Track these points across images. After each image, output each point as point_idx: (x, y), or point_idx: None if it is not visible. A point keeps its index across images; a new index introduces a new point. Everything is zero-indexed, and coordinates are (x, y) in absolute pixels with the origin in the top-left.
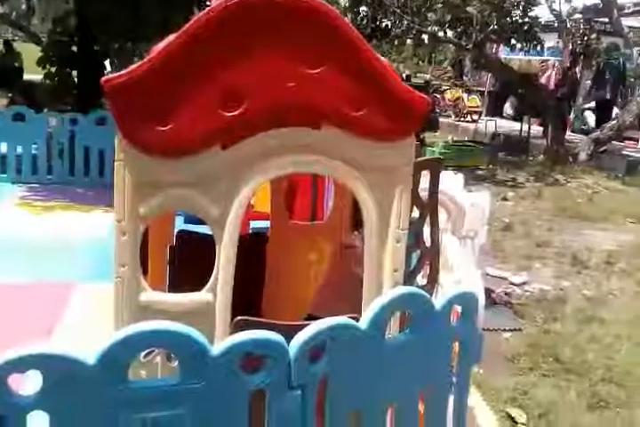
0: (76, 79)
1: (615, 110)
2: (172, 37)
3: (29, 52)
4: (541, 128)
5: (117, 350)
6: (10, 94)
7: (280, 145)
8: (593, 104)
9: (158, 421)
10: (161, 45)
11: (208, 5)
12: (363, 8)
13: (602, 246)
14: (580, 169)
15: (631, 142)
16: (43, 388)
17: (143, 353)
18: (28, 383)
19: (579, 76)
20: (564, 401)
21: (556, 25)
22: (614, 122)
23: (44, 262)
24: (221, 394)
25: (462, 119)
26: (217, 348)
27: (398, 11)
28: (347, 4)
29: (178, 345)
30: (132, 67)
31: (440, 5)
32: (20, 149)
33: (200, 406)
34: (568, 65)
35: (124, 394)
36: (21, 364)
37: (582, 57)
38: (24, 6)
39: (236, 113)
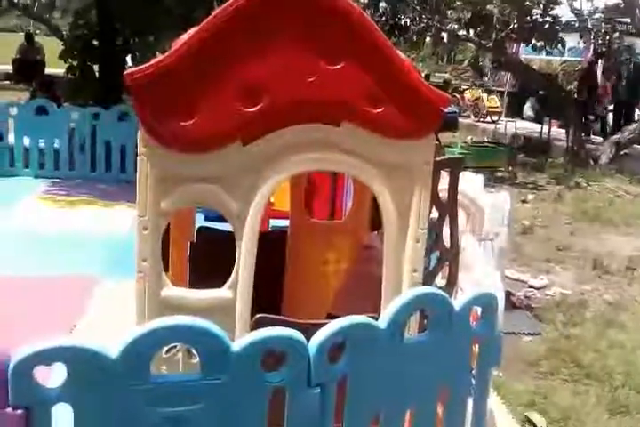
0: (97, 73)
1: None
2: (193, 32)
3: (51, 46)
4: (562, 130)
5: (140, 344)
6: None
7: (300, 142)
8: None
9: (179, 415)
10: (183, 39)
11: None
12: (382, 4)
13: (623, 251)
14: (602, 172)
15: None
16: (67, 381)
17: (165, 349)
18: (54, 376)
19: (600, 76)
20: (584, 406)
21: (576, 24)
22: (636, 125)
23: (67, 257)
24: (241, 390)
25: (482, 120)
26: (238, 344)
27: (418, 8)
28: (366, 1)
29: (199, 341)
30: (155, 61)
31: (460, 3)
32: (42, 144)
33: (220, 402)
34: (587, 65)
35: (146, 388)
36: (46, 356)
37: (604, 57)
38: None
39: (256, 109)
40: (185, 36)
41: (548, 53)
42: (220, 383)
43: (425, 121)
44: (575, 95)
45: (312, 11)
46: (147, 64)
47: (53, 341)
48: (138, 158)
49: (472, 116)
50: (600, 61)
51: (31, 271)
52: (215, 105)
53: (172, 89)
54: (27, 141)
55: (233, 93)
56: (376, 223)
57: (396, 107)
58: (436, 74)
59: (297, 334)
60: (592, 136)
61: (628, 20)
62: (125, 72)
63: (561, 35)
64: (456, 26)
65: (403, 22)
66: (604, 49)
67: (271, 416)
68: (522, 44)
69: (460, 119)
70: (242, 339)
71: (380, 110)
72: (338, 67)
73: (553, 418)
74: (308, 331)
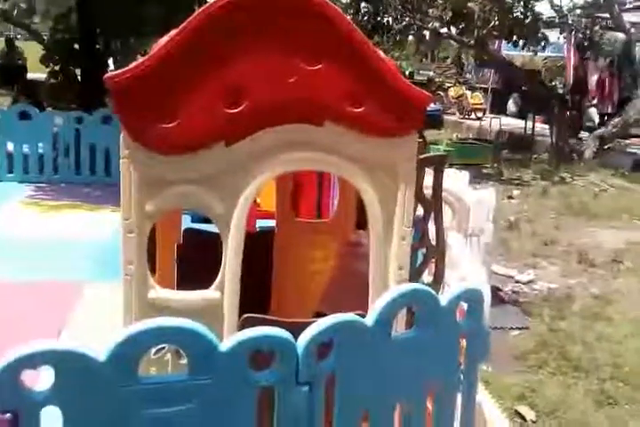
0: (79, 77)
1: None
2: (173, 34)
3: (32, 51)
4: (545, 125)
5: (127, 347)
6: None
7: (283, 142)
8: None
9: (168, 416)
10: (162, 42)
11: (209, 1)
12: (363, 4)
13: (608, 245)
14: (586, 167)
15: (637, 139)
16: (55, 383)
17: (154, 350)
18: (41, 379)
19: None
20: (573, 398)
21: (557, 21)
22: (619, 119)
23: (53, 261)
24: (230, 390)
25: (466, 117)
26: (225, 344)
27: (399, 7)
28: (348, 1)
29: (187, 342)
30: (135, 63)
31: (441, 1)
32: (26, 149)
33: (209, 402)
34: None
35: (134, 390)
36: (34, 360)
37: (587, 51)
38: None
39: (238, 110)
40: (165, 39)
41: (529, 50)
42: (209, 383)
43: (407, 119)
44: (568, 98)
45: (290, 12)
46: (127, 67)
47: (40, 344)
48: (120, 161)
49: (457, 114)
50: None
51: (16, 276)
52: (197, 107)
53: (153, 91)
54: (10, 146)
55: (215, 95)
56: (362, 222)
57: (377, 105)
58: (420, 72)
59: (284, 334)
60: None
61: (607, 15)
62: (105, 75)
63: (542, 31)
64: (438, 24)
65: (385, 21)
66: (585, 44)
67: (261, 415)
68: (504, 41)
69: (445, 116)
70: (229, 339)
71: (361, 109)
72: (318, 67)
73: (541, 411)
74: (296, 330)
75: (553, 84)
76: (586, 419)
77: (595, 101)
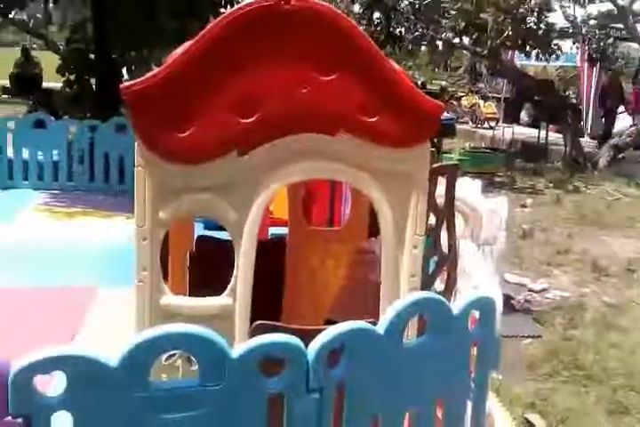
0: (94, 86)
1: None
2: (188, 44)
3: (48, 60)
4: (558, 134)
5: (139, 353)
6: (30, 101)
7: (296, 151)
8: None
9: (179, 422)
10: (178, 52)
11: (224, 13)
12: (376, 15)
13: (622, 254)
14: (600, 176)
15: None
16: (67, 389)
17: (165, 356)
18: (54, 384)
19: (596, 81)
20: (584, 407)
21: (570, 31)
22: (633, 128)
23: (66, 268)
24: (240, 397)
25: (479, 126)
26: (236, 351)
27: (412, 17)
28: (360, 11)
29: (198, 348)
30: (151, 74)
31: (454, 12)
32: (40, 156)
33: (219, 409)
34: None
35: (146, 396)
36: (46, 365)
37: (599, 62)
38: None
39: (251, 120)
40: (180, 49)
41: (541, 60)
42: (219, 390)
43: (419, 129)
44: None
45: (304, 23)
46: (142, 77)
47: (53, 350)
48: (135, 170)
49: (470, 123)
50: (595, 68)
51: (30, 283)
52: (211, 116)
53: (168, 101)
54: (25, 154)
55: (228, 105)
56: (374, 230)
57: (390, 116)
58: (433, 81)
59: (295, 341)
60: (587, 139)
61: (621, 25)
62: (122, 85)
63: (555, 41)
64: (451, 34)
65: (397, 32)
66: (598, 55)
67: (271, 422)
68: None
69: (458, 126)
70: (240, 346)
71: (374, 119)
72: (331, 77)
73: (552, 419)
74: (307, 337)
75: (566, 93)
76: None
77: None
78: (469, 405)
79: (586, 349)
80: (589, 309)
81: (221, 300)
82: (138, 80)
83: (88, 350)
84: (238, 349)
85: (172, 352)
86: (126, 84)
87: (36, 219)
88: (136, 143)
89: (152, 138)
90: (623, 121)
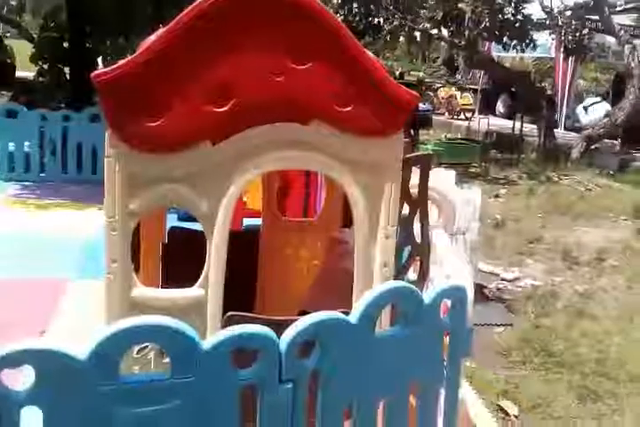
0: (68, 75)
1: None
2: (160, 33)
3: (22, 49)
4: (533, 126)
5: (108, 346)
6: (4, 92)
7: (269, 141)
8: (586, 102)
9: (150, 415)
10: (150, 40)
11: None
12: (354, 5)
13: (593, 243)
14: (573, 167)
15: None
16: (35, 383)
17: (136, 349)
18: (22, 379)
19: (571, 73)
20: (555, 394)
21: (547, 22)
22: (607, 119)
23: (37, 260)
24: (212, 388)
25: (455, 117)
26: (207, 342)
27: (390, 7)
28: (338, 1)
29: (168, 340)
30: (122, 62)
31: (432, 2)
32: (12, 147)
33: (192, 401)
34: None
35: (116, 389)
36: (14, 359)
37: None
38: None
39: (224, 109)
40: (152, 37)
41: (519, 51)
42: (191, 382)
43: (393, 119)
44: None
45: (278, 11)
46: (114, 65)
47: (21, 343)
48: (105, 160)
49: (446, 114)
50: (570, 58)
51: (1, 275)
52: (183, 105)
53: (139, 90)
54: None
55: (201, 94)
56: (348, 220)
57: (364, 106)
58: (411, 72)
59: (267, 331)
60: (562, 131)
61: (597, 17)
62: (93, 73)
63: (532, 32)
64: (429, 25)
65: (376, 22)
66: (573, 45)
67: (243, 412)
68: (494, 42)
69: (435, 117)
70: (212, 337)
71: (348, 109)
72: (306, 66)
73: (524, 406)
74: (280, 327)
75: (542, 85)
76: (568, 414)
77: None
78: (443, 392)
79: (557, 336)
80: (561, 297)
81: (193, 291)
82: (109, 68)
83: (56, 344)
84: (210, 340)
85: (144, 345)
86: (97, 72)
87: (7, 211)
88: (106, 133)
89: (123, 127)
90: (596, 112)
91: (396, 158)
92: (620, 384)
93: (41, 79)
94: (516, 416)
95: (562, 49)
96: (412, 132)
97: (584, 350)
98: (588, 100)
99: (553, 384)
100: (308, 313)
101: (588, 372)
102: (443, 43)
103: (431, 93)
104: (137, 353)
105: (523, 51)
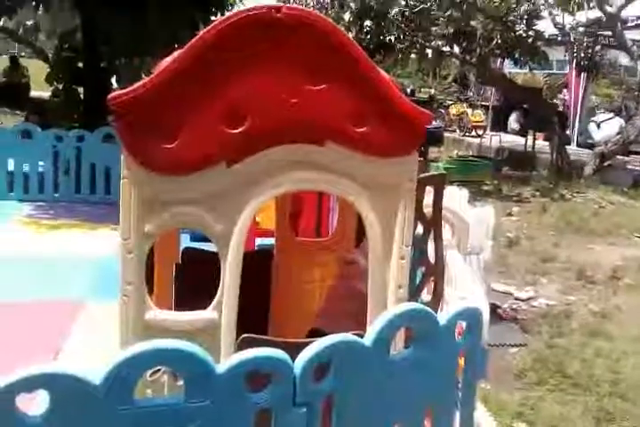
0: (82, 96)
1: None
2: (177, 54)
3: (37, 69)
4: (546, 143)
5: (123, 369)
6: (18, 111)
7: (284, 162)
8: (598, 118)
9: None
10: (166, 62)
11: (213, 21)
12: (367, 23)
13: (608, 261)
14: (586, 184)
15: (637, 156)
16: (50, 408)
17: (149, 372)
18: (36, 403)
19: (583, 89)
20: (571, 415)
21: (559, 39)
22: (619, 136)
23: (51, 281)
24: (227, 412)
25: (467, 134)
26: (222, 366)
27: (402, 25)
28: (350, 19)
29: (182, 364)
30: (138, 84)
31: (443, 19)
32: (26, 167)
33: (206, 424)
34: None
35: (131, 413)
36: (29, 384)
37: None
38: (30, 22)
39: (239, 130)
40: (168, 59)
41: (532, 68)
42: (205, 406)
43: (408, 139)
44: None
45: (294, 32)
46: (130, 87)
47: (35, 368)
48: (121, 181)
49: (457, 131)
50: (583, 74)
51: (14, 296)
52: (198, 127)
53: (155, 112)
54: (11, 165)
55: (216, 115)
56: (361, 240)
57: (379, 125)
58: (422, 89)
59: (282, 354)
60: (575, 147)
61: (610, 33)
62: (109, 95)
63: (545, 49)
64: (440, 42)
65: (387, 40)
66: (586, 62)
67: None
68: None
69: (446, 134)
70: (226, 361)
71: (363, 129)
72: (320, 87)
73: None
74: (294, 350)
75: (554, 101)
76: None
77: None
78: (457, 415)
79: (572, 357)
80: (575, 317)
81: (207, 314)
82: (125, 90)
83: (71, 368)
84: (224, 364)
85: (157, 368)
86: (114, 94)
87: (21, 231)
88: (122, 154)
89: (139, 149)
90: (608, 129)
91: (411, 178)
92: (636, 405)
93: (55, 99)
94: None
95: (574, 65)
96: (422, 149)
97: (600, 371)
98: (601, 117)
99: (568, 406)
100: (319, 332)
101: (604, 393)
102: (454, 59)
103: (442, 111)
104: (150, 376)
105: (535, 69)
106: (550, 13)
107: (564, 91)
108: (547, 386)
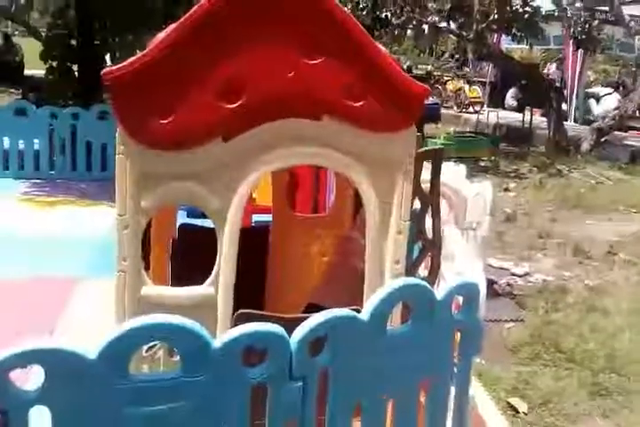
0: (76, 73)
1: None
2: (170, 29)
3: (30, 47)
4: (543, 119)
5: (118, 344)
6: (13, 90)
7: (281, 137)
8: (595, 92)
9: (160, 414)
10: (160, 37)
11: None
12: None
13: (604, 237)
14: (583, 159)
15: (634, 132)
16: (45, 383)
17: (145, 347)
18: (31, 378)
19: (580, 65)
20: (566, 390)
21: (556, 14)
22: (616, 111)
23: (48, 258)
24: (223, 387)
25: (464, 110)
26: (218, 341)
27: (398, 0)
28: None
29: (179, 338)
30: (132, 59)
31: None
32: (22, 145)
33: (202, 399)
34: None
35: (126, 388)
36: (23, 358)
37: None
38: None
39: (236, 105)
40: (162, 34)
41: (528, 43)
42: (201, 381)
43: (405, 113)
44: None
45: (289, 6)
46: (124, 63)
47: (30, 343)
48: (116, 157)
49: (454, 107)
50: (580, 51)
51: (11, 273)
52: (194, 102)
53: (150, 87)
54: (6, 143)
55: (212, 90)
56: (359, 215)
57: (376, 100)
58: (419, 66)
59: (278, 329)
60: (572, 123)
61: (607, 8)
62: (103, 71)
63: (545, 24)
64: (437, 18)
65: (384, 16)
66: (582, 37)
67: (254, 411)
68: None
69: (443, 110)
70: (222, 335)
71: (360, 104)
72: (317, 61)
73: (534, 403)
74: (290, 325)
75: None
76: (579, 410)
77: None
78: (453, 390)
79: (567, 332)
80: (571, 292)
81: (203, 289)
82: (119, 65)
83: (66, 343)
84: (220, 338)
85: (153, 343)
86: (107, 69)
87: (17, 209)
88: (117, 130)
89: (134, 124)
90: (606, 104)
91: (409, 153)
92: (631, 380)
93: (50, 77)
94: (525, 413)
95: (571, 41)
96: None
97: (595, 346)
98: (599, 91)
99: (563, 381)
100: (317, 306)
101: (599, 368)
102: (451, 35)
103: (439, 87)
104: (146, 352)
105: (531, 46)
106: None
107: (549, 65)
108: (542, 361)
